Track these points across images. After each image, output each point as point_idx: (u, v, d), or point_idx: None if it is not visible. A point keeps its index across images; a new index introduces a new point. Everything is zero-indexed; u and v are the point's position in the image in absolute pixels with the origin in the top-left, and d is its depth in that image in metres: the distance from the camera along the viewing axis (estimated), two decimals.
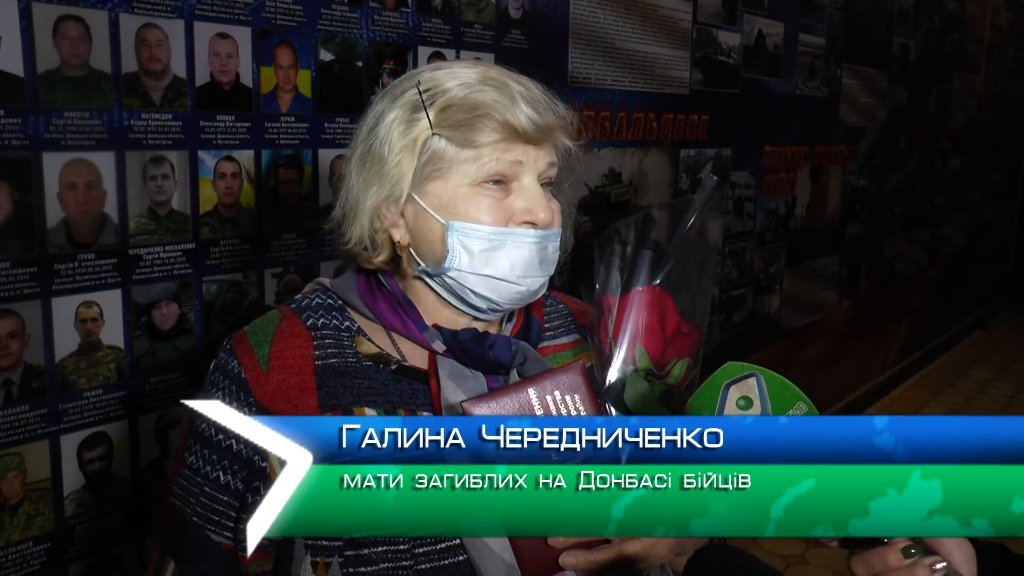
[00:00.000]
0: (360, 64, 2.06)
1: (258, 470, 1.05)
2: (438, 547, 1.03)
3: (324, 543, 1.04)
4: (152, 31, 1.67)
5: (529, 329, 1.17)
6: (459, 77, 1.05)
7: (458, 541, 1.02)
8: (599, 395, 1.15)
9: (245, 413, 1.04)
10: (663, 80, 3.16)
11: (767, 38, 3.79)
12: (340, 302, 1.14)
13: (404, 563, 1.02)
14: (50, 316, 1.58)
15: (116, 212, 1.65)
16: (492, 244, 1.05)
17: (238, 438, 1.03)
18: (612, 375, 1.15)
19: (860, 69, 4.71)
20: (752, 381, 0.94)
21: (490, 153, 1.03)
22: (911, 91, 5.39)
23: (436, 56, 2.26)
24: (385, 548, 1.02)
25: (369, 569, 1.03)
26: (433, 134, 1.03)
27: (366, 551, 1.02)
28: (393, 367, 1.09)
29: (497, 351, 1.09)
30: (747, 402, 0.92)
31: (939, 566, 0.85)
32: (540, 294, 1.12)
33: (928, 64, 5.58)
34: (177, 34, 1.71)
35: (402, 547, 1.02)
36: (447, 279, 1.07)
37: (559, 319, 1.27)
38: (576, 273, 1.22)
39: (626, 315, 1.15)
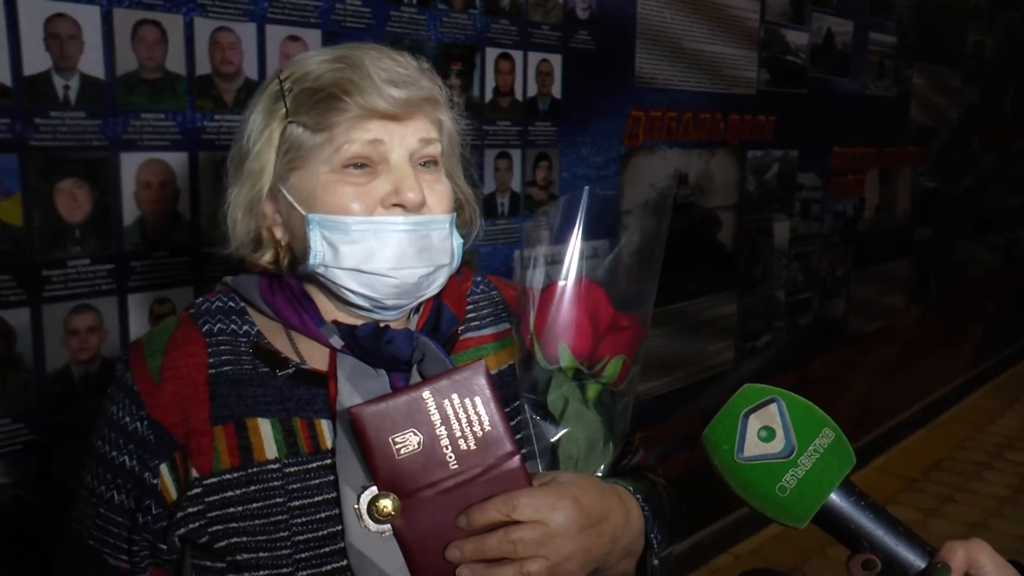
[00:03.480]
0: (428, 65, 2.07)
1: (149, 487, 0.98)
2: (323, 569, 0.96)
3: (207, 564, 0.98)
4: (225, 34, 1.70)
5: (439, 320, 1.07)
6: (318, 58, 0.99)
7: (346, 562, 0.95)
8: (518, 396, 1.09)
9: (137, 428, 0.97)
10: (729, 80, 3.12)
11: (836, 37, 3.72)
12: (241, 304, 1.07)
13: None
14: (126, 312, 1.61)
15: (188, 211, 1.68)
16: (355, 236, 0.96)
17: (131, 454, 0.99)
18: (533, 374, 1.07)
19: (932, 68, 4.59)
20: (773, 408, 0.87)
21: (344, 133, 0.95)
22: (985, 90, 5.23)
23: (504, 59, 2.26)
24: (267, 573, 0.96)
25: None
26: (289, 122, 0.97)
27: (247, 575, 0.96)
28: (290, 370, 1.02)
29: (396, 346, 1.00)
30: (769, 433, 0.86)
31: None
32: (433, 287, 1.03)
33: (1005, 62, 5.41)
34: (249, 37, 1.74)
35: (285, 570, 0.96)
36: (319, 278, 1.00)
37: (489, 307, 1.17)
38: None
39: (550, 309, 1.07)
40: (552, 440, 1.07)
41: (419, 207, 0.98)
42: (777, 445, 0.86)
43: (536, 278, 1.09)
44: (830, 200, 3.88)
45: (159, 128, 1.62)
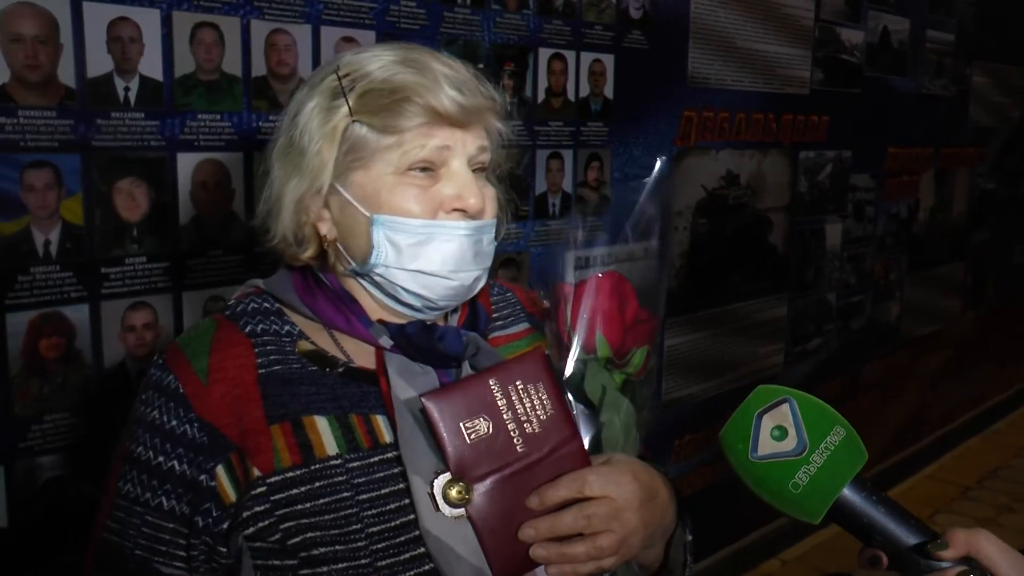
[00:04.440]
0: (481, 66, 2.07)
1: (206, 490, 0.97)
2: (401, 558, 0.97)
3: (276, 563, 0.97)
4: (281, 36, 1.72)
5: (476, 319, 1.12)
6: (380, 59, 1.00)
7: (423, 549, 0.97)
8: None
9: (186, 431, 0.97)
10: (783, 80, 3.07)
11: (892, 35, 3.65)
12: (277, 305, 1.07)
13: None
14: (181, 309, 1.64)
15: (243, 210, 1.70)
16: (420, 238, 0.99)
17: (180, 458, 0.97)
18: (570, 365, 1.11)
19: (993, 66, 4.48)
20: (785, 408, 0.91)
21: (413, 139, 0.98)
22: None
23: (556, 59, 2.25)
24: (346, 565, 0.96)
25: None
26: (353, 121, 0.99)
27: (324, 568, 0.95)
28: (340, 369, 1.04)
29: (448, 343, 1.04)
30: (782, 432, 0.90)
31: None
32: (477, 289, 1.06)
33: None
34: (304, 39, 1.76)
35: (363, 561, 0.96)
36: (375, 277, 1.03)
37: (508, 308, 1.22)
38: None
39: (583, 302, 1.12)
40: (597, 426, 1.12)
41: (480, 213, 1.02)
42: (790, 443, 0.90)
43: (568, 274, 1.16)
44: (884, 202, 3.81)
45: (215, 129, 1.65)
